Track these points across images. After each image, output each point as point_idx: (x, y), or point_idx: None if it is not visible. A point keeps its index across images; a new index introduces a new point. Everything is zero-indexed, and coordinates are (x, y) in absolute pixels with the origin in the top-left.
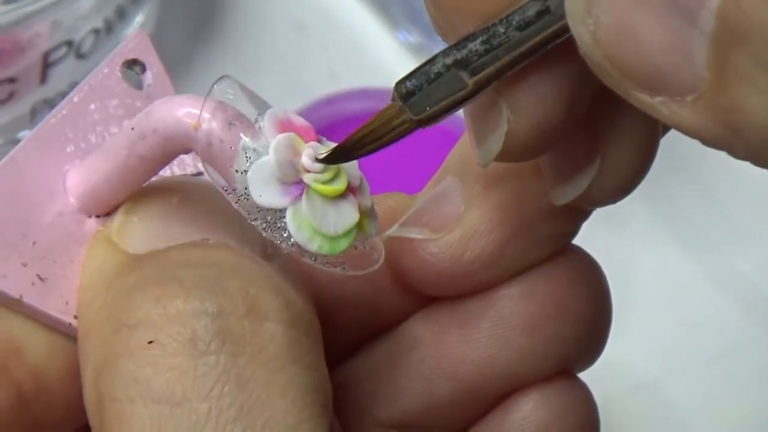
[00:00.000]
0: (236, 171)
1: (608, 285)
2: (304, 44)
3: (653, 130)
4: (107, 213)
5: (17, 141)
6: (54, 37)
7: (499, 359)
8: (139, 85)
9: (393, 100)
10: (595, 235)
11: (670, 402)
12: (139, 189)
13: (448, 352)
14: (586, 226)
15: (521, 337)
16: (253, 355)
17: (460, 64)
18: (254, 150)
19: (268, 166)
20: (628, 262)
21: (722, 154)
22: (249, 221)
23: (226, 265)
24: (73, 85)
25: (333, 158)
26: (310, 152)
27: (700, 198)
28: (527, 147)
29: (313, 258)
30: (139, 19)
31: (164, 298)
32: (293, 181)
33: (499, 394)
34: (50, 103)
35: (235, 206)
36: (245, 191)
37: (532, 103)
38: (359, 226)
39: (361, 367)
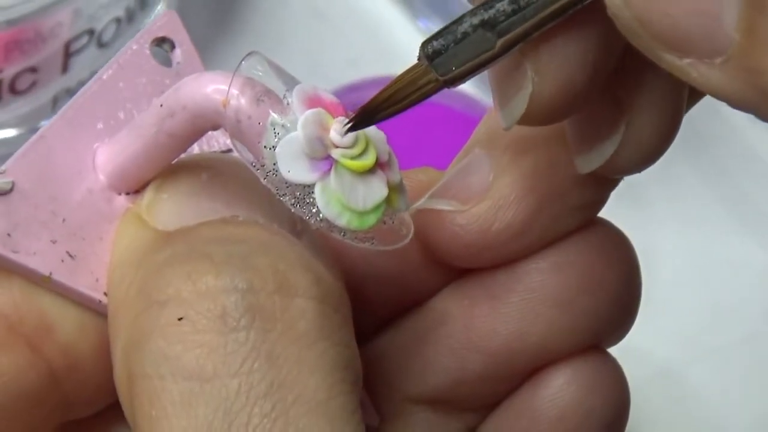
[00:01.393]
0: (265, 147)
1: (638, 258)
2: (323, 31)
3: (678, 97)
4: (137, 190)
5: (39, 130)
6: (75, 27)
7: (528, 333)
8: (168, 63)
9: (419, 59)
10: (616, 220)
11: (694, 388)
12: (168, 166)
13: (477, 326)
14: (607, 211)
15: (551, 311)
16: (283, 331)
17: (487, 25)
18: (283, 126)
19: (296, 142)
20: (651, 247)
21: (742, 139)
22: (278, 197)
23: (256, 241)
24: (94, 74)
25: (359, 121)
26: (339, 127)
27: (722, 183)
28: (551, 109)
29: (342, 233)
30: (160, 7)
31: (194, 274)
32: (322, 156)
33: (529, 369)
34: (72, 93)
35: (264, 182)
36: (274, 167)
37: (558, 65)
38: (388, 201)
39: (391, 343)
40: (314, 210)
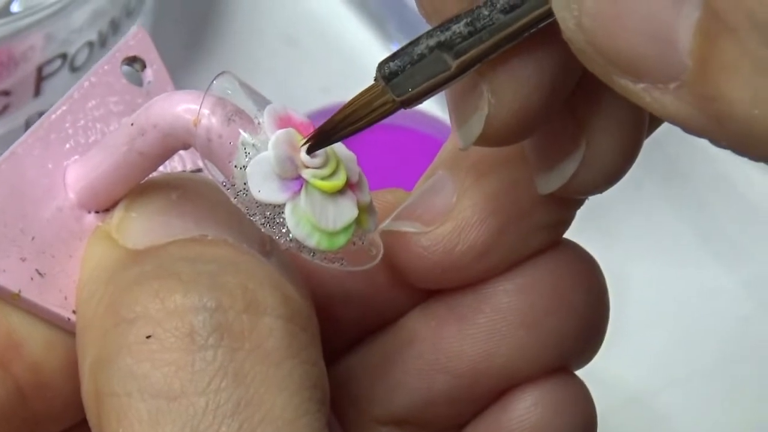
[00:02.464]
0: (235, 166)
1: (605, 280)
2: (296, 58)
3: (639, 118)
4: (106, 209)
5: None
6: (48, 51)
7: (496, 354)
8: (139, 82)
9: (375, 80)
10: (586, 245)
11: (665, 414)
12: (138, 185)
13: (445, 347)
14: (576, 235)
15: (518, 332)
16: (251, 350)
17: (443, 46)
18: (253, 146)
19: (267, 162)
20: (621, 273)
21: (714, 166)
22: (248, 217)
23: (225, 260)
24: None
25: (316, 141)
26: None
27: (692, 209)
28: (508, 131)
29: (312, 254)
30: (132, 31)
31: (163, 292)
32: (292, 176)
33: (497, 390)
34: None
35: (234, 202)
36: (244, 186)
37: (514, 87)
38: (358, 221)
39: (359, 363)
40: (284, 230)
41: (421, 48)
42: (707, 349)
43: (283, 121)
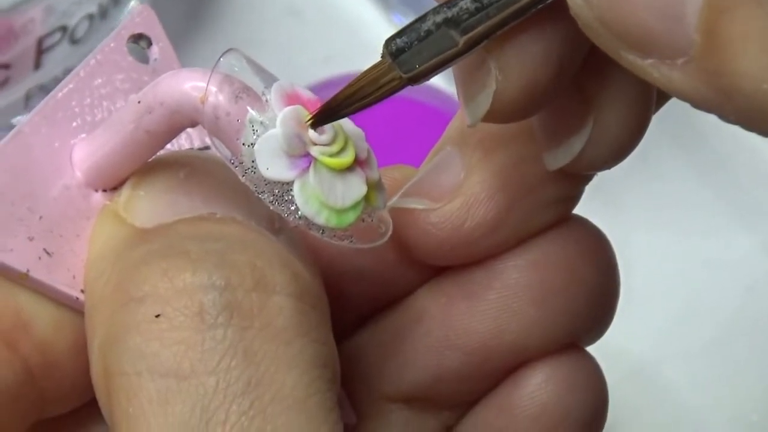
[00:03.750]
0: (243, 144)
1: (615, 255)
2: (298, 28)
3: (647, 94)
4: (114, 187)
5: (12, 127)
6: (48, 23)
7: (506, 331)
8: (145, 60)
9: (382, 57)
10: (590, 217)
11: (668, 387)
12: (146, 163)
13: (454, 323)
14: (580, 209)
15: (528, 308)
16: (261, 329)
17: (450, 23)
18: (261, 123)
19: (275, 139)
20: (624, 245)
21: (720, 136)
22: (256, 194)
23: (233, 238)
24: (67, 71)
25: (321, 118)
26: None
27: (696, 180)
28: (516, 107)
29: (321, 231)
30: (133, 4)
31: (171, 271)
32: (300, 154)
33: (507, 367)
34: (45, 89)
35: (243, 179)
36: (252, 164)
37: (522, 63)
38: (367, 198)
39: (369, 341)
40: (293, 207)
41: (428, 24)
42: (711, 320)
43: (291, 98)
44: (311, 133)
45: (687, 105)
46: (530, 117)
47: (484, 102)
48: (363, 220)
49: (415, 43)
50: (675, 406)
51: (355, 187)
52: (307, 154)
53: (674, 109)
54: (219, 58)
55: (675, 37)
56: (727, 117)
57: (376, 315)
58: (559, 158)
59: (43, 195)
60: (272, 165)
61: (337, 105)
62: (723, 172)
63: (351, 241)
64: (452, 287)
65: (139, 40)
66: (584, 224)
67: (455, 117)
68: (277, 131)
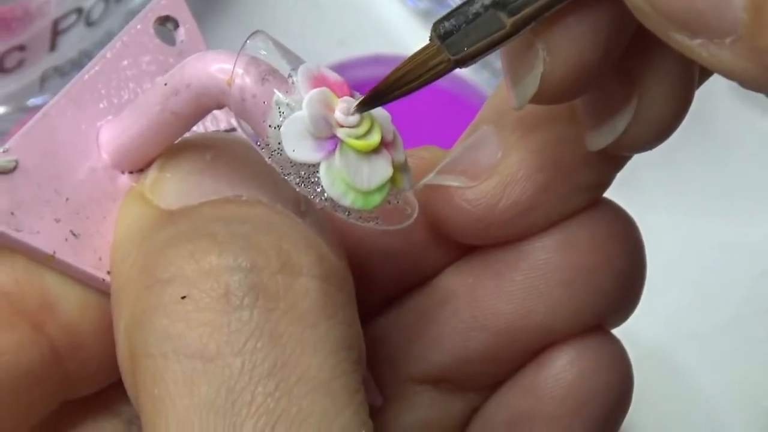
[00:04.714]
0: (270, 126)
1: (642, 238)
2: (313, 11)
3: (690, 73)
4: (140, 169)
5: (27, 108)
6: (63, 5)
7: (533, 312)
8: (171, 42)
9: (431, 39)
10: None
11: (681, 369)
12: (172, 145)
13: (481, 304)
14: None
15: (556, 290)
16: (286, 311)
17: (498, 5)
18: (287, 105)
19: (301, 121)
20: (640, 227)
21: (737, 118)
22: (282, 176)
23: (260, 220)
24: (82, 53)
25: (370, 101)
26: (344, 107)
27: (713, 162)
28: (563, 89)
29: (347, 213)
30: None
31: (198, 253)
32: (327, 136)
33: (533, 348)
34: (60, 71)
35: (269, 161)
36: (279, 146)
37: (569, 45)
38: (393, 180)
39: (395, 322)
40: (319, 189)
41: (476, 7)
42: (726, 304)
43: (318, 81)
44: (338, 114)
45: (703, 89)
46: (576, 98)
47: (532, 84)
48: (389, 202)
49: (463, 25)
50: (688, 388)
51: (381, 169)
52: (334, 136)
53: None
54: (245, 40)
55: (723, 16)
56: None
57: (402, 296)
58: (603, 138)
59: (69, 177)
60: (299, 147)
61: (387, 87)
62: (739, 157)
63: (377, 223)
64: (479, 268)
65: (166, 22)
66: (613, 208)
67: (491, 96)
68: (303, 113)
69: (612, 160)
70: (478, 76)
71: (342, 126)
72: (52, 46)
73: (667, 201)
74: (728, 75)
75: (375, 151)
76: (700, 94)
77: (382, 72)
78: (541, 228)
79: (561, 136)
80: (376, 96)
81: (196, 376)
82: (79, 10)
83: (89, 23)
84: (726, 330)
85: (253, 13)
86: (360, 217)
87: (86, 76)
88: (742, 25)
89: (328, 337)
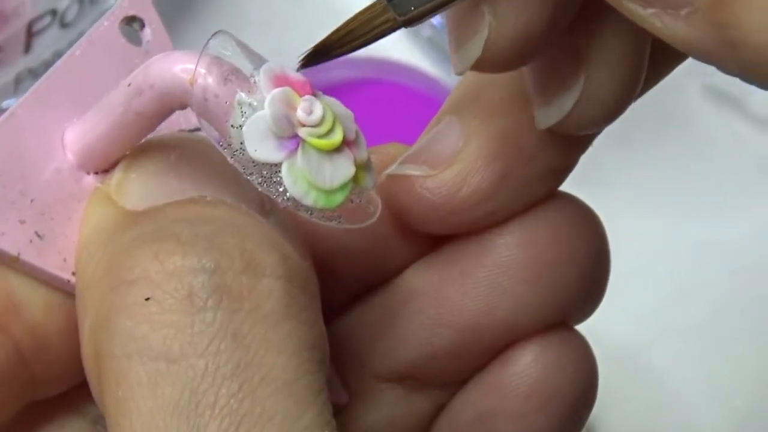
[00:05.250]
0: (232, 126)
1: (605, 233)
2: (288, 11)
3: (639, 54)
4: (106, 169)
5: (1, 110)
6: (38, 6)
7: (497, 308)
8: (138, 42)
9: None
10: None
11: (654, 370)
12: (137, 145)
13: (446, 301)
14: (567, 189)
15: (519, 286)
16: (250, 311)
17: None
18: (250, 105)
19: (263, 121)
20: (612, 228)
21: (705, 119)
22: (245, 176)
23: (223, 221)
24: (57, 54)
25: (313, 58)
26: (306, 106)
27: (684, 163)
28: (507, 55)
29: (309, 212)
30: None
31: (162, 254)
32: (289, 135)
33: (499, 345)
34: (34, 72)
35: (231, 161)
36: (241, 146)
37: (516, 11)
38: (355, 179)
39: (361, 320)
40: (281, 189)
41: None
42: (698, 304)
43: (280, 80)
44: (300, 114)
45: (673, 89)
46: (520, 66)
47: (475, 49)
48: (351, 201)
49: None
50: (659, 388)
51: (343, 168)
52: (296, 136)
53: (660, 88)
54: (208, 40)
55: None
56: (728, 69)
57: (368, 293)
58: (550, 116)
59: (35, 178)
60: (260, 146)
61: (330, 45)
62: (711, 157)
63: (339, 222)
64: (444, 264)
65: (132, 22)
66: (574, 202)
67: (455, 88)
68: (265, 113)
69: (572, 145)
70: (452, 79)
71: (304, 125)
72: (27, 48)
73: (640, 201)
74: (681, 46)
75: (337, 149)
76: (673, 93)
77: (356, 73)
78: (504, 217)
79: (520, 123)
80: (319, 53)
81: (159, 378)
82: (53, 12)
83: (64, 25)
84: (697, 330)
85: (229, 11)
86: (323, 216)
87: (52, 76)
88: None
89: (291, 337)
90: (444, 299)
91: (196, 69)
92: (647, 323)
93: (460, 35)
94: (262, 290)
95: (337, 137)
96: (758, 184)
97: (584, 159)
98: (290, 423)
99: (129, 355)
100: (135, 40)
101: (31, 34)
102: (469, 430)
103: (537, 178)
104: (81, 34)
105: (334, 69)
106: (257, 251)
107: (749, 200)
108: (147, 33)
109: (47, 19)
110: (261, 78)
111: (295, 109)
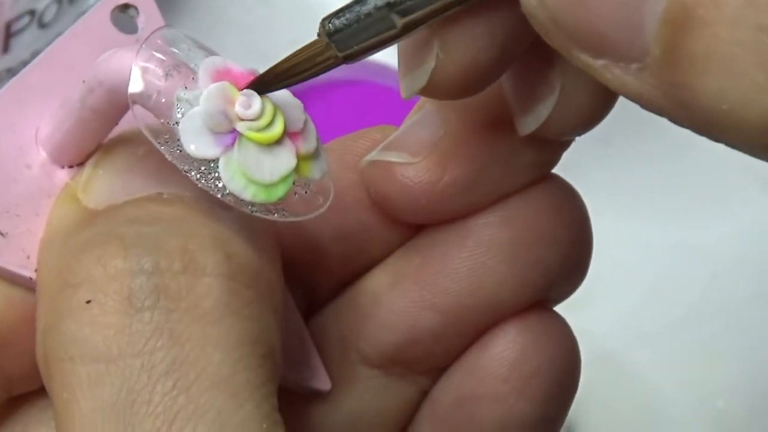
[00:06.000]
0: (169, 123)
1: (588, 212)
2: (265, 11)
3: None
4: (80, 162)
5: None
6: (16, 7)
7: (480, 288)
8: (132, 29)
9: (319, 35)
10: None
11: (633, 370)
12: (109, 139)
13: (429, 284)
14: None
15: (501, 265)
16: (187, 310)
17: (391, 6)
18: (187, 101)
19: (198, 117)
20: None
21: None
22: (183, 172)
23: (172, 220)
24: (35, 54)
25: (257, 89)
26: (244, 101)
27: (665, 164)
28: (453, 86)
29: (250, 206)
30: None
31: (104, 257)
32: (226, 130)
33: (483, 326)
34: (13, 73)
35: (169, 158)
36: (178, 142)
37: (464, 45)
38: (300, 170)
39: (345, 306)
40: (220, 185)
41: (368, 7)
42: (677, 305)
43: (221, 74)
44: (238, 108)
45: None
46: (468, 96)
47: (422, 77)
48: (295, 193)
49: (354, 24)
50: (639, 389)
51: (283, 161)
52: (234, 130)
53: None
54: (149, 35)
55: (631, 44)
56: (679, 123)
57: (353, 280)
58: (529, 124)
59: (1, 175)
60: (197, 142)
61: (272, 78)
62: (691, 158)
63: (282, 215)
64: (426, 247)
65: (126, 9)
66: (556, 181)
67: None
68: (200, 108)
69: (553, 142)
70: None
71: (242, 119)
72: (5, 48)
73: (619, 202)
74: (630, 98)
75: (278, 142)
76: None
77: (336, 73)
78: (485, 204)
79: (502, 116)
80: (260, 85)
81: (99, 379)
82: (32, 12)
83: (42, 25)
84: (678, 331)
85: (205, 12)
86: (265, 210)
87: (27, 72)
88: (651, 57)
89: (231, 333)
90: (427, 281)
91: (138, 64)
92: (627, 324)
93: (408, 63)
94: (201, 289)
95: (276, 130)
96: (739, 186)
97: (563, 159)
98: (224, 418)
99: (72, 358)
100: (128, 28)
101: (9, 34)
102: (450, 414)
103: (518, 170)
104: (60, 35)
105: None
106: (198, 251)
107: (730, 201)
108: (142, 19)
109: (26, 20)
110: (200, 73)
111: (233, 103)
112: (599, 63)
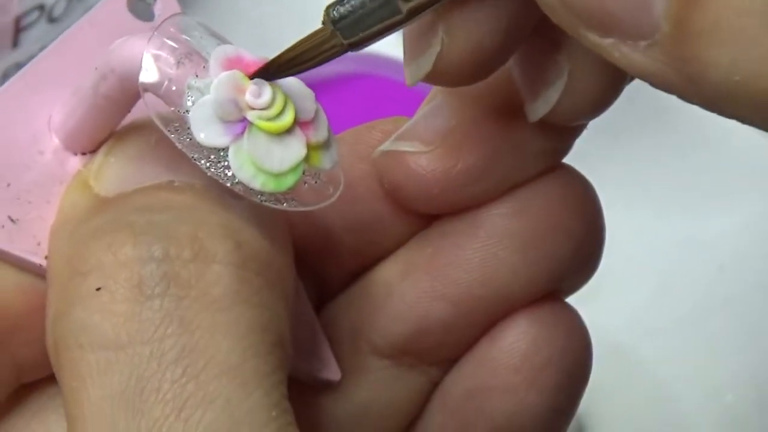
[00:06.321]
0: (180, 111)
1: (600, 202)
2: (277, 5)
3: None
4: (93, 150)
5: None
6: (26, 2)
7: (491, 279)
8: (149, 17)
9: (323, 23)
10: None
11: (642, 364)
12: (122, 126)
13: (441, 274)
14: None
15: (513, 256)
16: (197, 298)
17: None
18: (197, 89)
19: (208, 105)
20: None
21: (693, 117)
22: (192, 161)
23: (181, 208)
24: (44, 49)
25: (263, 78)
26: (254, 89)
27: (671, 158)
28: (458, 72)
29: (260, 196)
30: None
31: (115, 245)
32: (236, 119)
33: (494, 317)
34: (22, 67)
35: (179, 146)
36: (188, 131)
37: (469, 29)
38: (311, 160)
39: (357, 296)
40: (230, 173)
41: None
42: (685, 299)
43: (232, 63)
44: (248, 97)
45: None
46: (473, 83)
47: (427, 63)
48: (305, 183)
49: (358, 10)
50: (649, 383)
51: (293, 151)
52: (244, 119)
53: (646, 87)
54: (161, 23)
55: (640, 22)
56: (689, 100)
57: (365, 270)
58: (538, 109)
59: (12, 161)
60: (206, 131)
61: (278, 67)
62: (698, 153)
63: (292, 204)
64: (438, 238)
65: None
66: (569, 172)
67: None
68: (210, 97)
69: (565, 129)
70: None
71: (253, 108)
72: (15, 43)
73: (627, 197)
74: (639, 76)
75: (288, 131)
76: (657, 91)
77: (345, 67)
78: (498, 194)
79: (515, 104)
80: (266, 73)
81: (108, 366)
82: (41, 7)
83: (51, 20)
84: (687, 324)
85: (213, 5)
86: (275, 199)
87: (40, 60)
88: (661, 33)
89: (240, 320)
90: (438, 272)
91: (150, 52)
92: (636, 317)
93: (413, 48)
94: (211, 276)
95: (287, 119)
96: (745, 179)
97: (572, 154)
98: (233, 405)
99: (81, 345)
100: (145, 15)
101: (18, 29)
102: (460, 406)
103: (530, 158)
104: (68, 29)
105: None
106: (208, 239)
107: (736, 195)
108: (159, 6)
109: (35, 14)
110: (211, 61)
111: (243, 92)
112: (607, 42)
